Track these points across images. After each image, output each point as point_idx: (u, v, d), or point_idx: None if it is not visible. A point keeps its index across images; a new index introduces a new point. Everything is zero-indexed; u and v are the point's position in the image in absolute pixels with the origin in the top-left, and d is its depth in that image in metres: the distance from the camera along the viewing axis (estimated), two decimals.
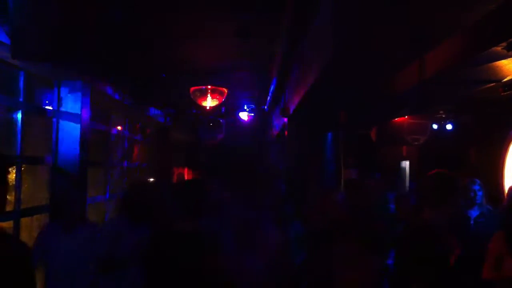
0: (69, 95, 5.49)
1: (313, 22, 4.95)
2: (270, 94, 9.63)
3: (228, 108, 11.15)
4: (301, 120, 8.07)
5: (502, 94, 5.85)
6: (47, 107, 5.48)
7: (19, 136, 4.73)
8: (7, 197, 2.40)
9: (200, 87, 8.26)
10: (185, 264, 2.70)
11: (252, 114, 11.97)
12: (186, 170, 12.32)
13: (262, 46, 6.25)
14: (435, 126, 8.91)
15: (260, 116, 12.22)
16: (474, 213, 4.61)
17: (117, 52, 5.70)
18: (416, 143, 9.34)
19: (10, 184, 4.38)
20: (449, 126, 8.65)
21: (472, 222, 4.58)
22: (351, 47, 3.62)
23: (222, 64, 7.28)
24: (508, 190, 4.99)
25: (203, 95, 8.31)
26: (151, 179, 9.03)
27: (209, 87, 8.22)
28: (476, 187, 4.64)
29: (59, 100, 5.47)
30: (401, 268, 3.04)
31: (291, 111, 7.96)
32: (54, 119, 5.44)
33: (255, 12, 4.86)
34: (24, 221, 4.88)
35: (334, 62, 4.11)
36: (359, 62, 4.05)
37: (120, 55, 5.86)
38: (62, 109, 5.47)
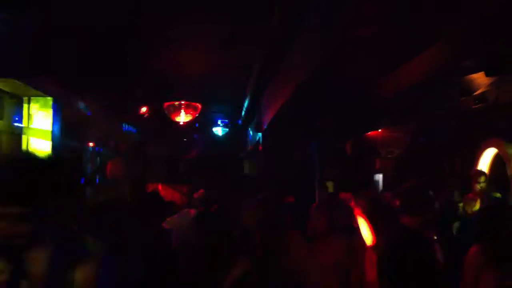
0: (39, 111, 5.36)
1: (292, 39, 4.94)
2: (244, 109, 9.58)
3: (202, 123, 11.06)
4: (275, 134, 8.04)
5: (474, 107, 5.97)
6: (17, 124, 5.33)
7: None
8: None
9: (174, 102, 8.15)
10: None
11: (227, 129, 11.89)
12: (160, 185, 12.13)
13: (238, 61, 6.22)
14: (408, 139, 8.98)
15: (235, 131, 12.16)
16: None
17: (89, 68, 5.58)
18: (390, 156, 9.37)
19: None
20: (422, 139, 8.72)
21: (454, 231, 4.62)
22: (332, 63, 3.63)
23: (198, 78, 7.21)
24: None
25: (177, 110, 8.20)
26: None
27: (182, 102, 8.11)
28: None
29: (30, 117, 5.33)
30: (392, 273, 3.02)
31: (265, 125, 7.92)
32: (24, 136, 5.29)
33: (234, 26, 4.83)
34: None
35: (312, 76, 4.11)
36: (339, 75, 4.06)
37: (93, 70, 5.74)
38: (33, 126, 5.33)
